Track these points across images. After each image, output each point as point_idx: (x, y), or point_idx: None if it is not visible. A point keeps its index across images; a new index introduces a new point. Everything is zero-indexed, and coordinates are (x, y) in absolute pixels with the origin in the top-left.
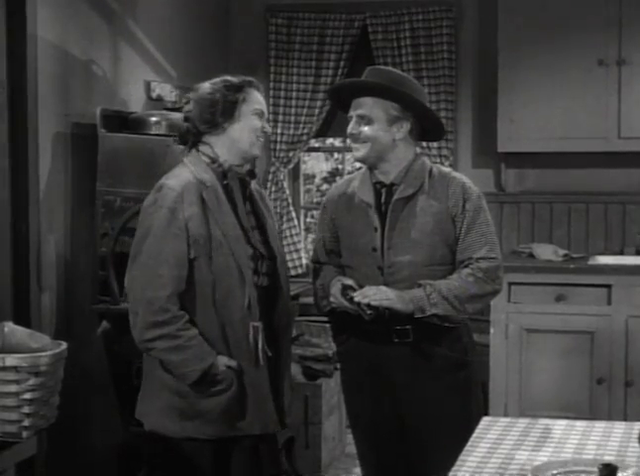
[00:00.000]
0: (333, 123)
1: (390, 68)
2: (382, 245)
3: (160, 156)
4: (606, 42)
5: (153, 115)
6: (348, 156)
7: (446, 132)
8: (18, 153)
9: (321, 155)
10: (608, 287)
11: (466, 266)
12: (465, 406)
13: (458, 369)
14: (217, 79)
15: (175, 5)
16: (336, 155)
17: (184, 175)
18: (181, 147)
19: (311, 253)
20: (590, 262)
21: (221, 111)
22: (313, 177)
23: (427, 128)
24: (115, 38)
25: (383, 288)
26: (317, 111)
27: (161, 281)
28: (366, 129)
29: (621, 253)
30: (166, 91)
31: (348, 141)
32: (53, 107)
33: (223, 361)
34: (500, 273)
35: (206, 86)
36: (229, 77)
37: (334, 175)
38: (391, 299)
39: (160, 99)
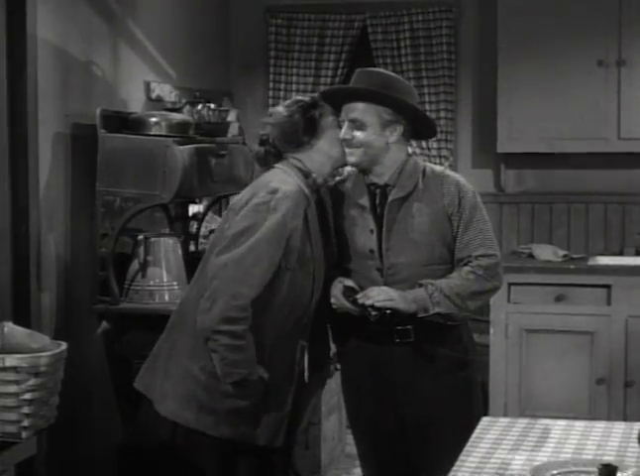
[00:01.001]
0: None
1: (380, 70)
2: (380, 247)
3: (159, 156)
4: (606, 43)
5: (152, 116)
6: None
7: (437, 131)
8: (18, 153)
9: None
10: (608, 287)
11: (465, 264)
12: (465, 405)
13: (459, 369)
14: (289, 102)
15: (175, 6)
16: None
17: (294, 183)
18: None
19: None
20: (590, 262)
21: (303, 130)
22: None
23: (419, 128)
24: (115, 38)
25: (385, 288)
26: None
27: (252, 280)
28: (358, 134)
29: (621, 253)
30: (166, 92)
31: None
32: (53, 108)
33: (259, 371)
34: (500, 269)
35: (282, 110)
36: (299, 98)
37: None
38: (395, 300)
39: (159, 100)
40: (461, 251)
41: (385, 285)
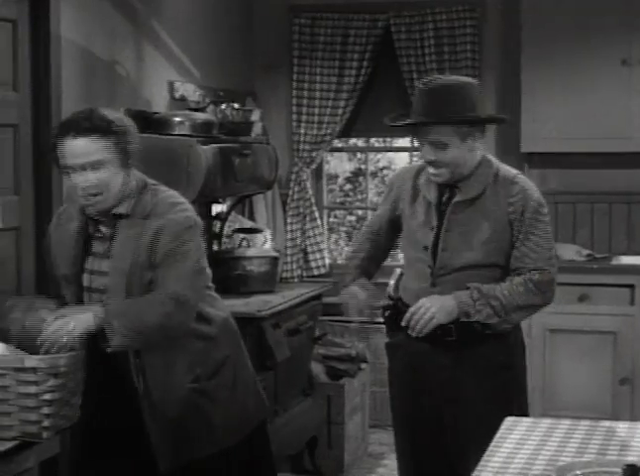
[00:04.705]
0: (356, 123)
1: (442, 82)
2: (437, 245)
3: (183, 156)
4: (630, 41)
5: (176, 115)
6: (371, 156)
7: (504, 120)
8: (41, 154)
9: (344, 155)
10: (631, 287)
11: (518, 274)
12: (505, 409)
13: (501, 371)
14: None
15: (199, 5)
16: (359, 155)
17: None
18: None
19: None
20: (614, 262)
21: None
22: (336, 177)
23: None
24: (138, 38)
25: (426, 304)
26: (340, 111)
27: None
28: (441, 154)
29: None
30: (190, 91)
31: (371, 141)
32: (77, 107)
33: None
34: (553, 286)
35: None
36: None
37: (357, 175)
38: (437, 318)
39: (183, 99)
40: (516, 260)
41: (434, 283)
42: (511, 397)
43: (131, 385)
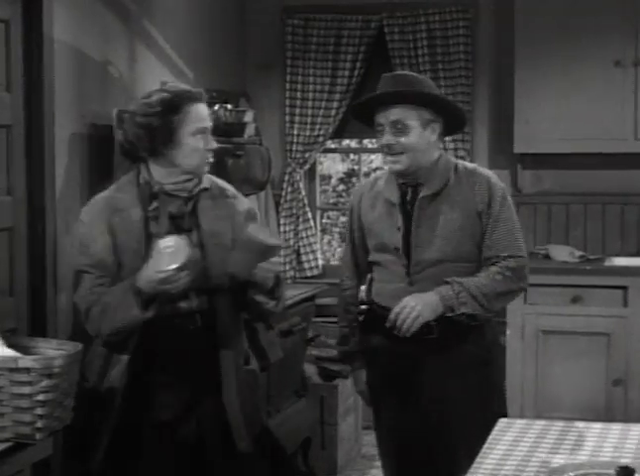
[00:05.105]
0: (349, 124)
1: (405, 72)
2: (410, 243)
3: None
4: (623, 43)
5: None
6: (364, 157)
7: (467, 123)
8: (34, 154)
9: (337, 156)
10: (625, 288)
11: (492, 263)
12: (487, 403)
13: (482, 366)
14: (151, 100)
15: (192, 5)
16: (352, 156)
17: (98, 201)
18: None
19: (337, 259)
20: (607, 263)
21: (159, 140)
22: (329, 177)
23: (450, 123)
24: (131, 38)
25: (410, 304)
26: (333, 112)
27: None
28: (402, 139)
29: (638, 254)
30: None
31: (364, 143)
32: (70, 108)
33: None
34: (527, 271)
35: (141, 108)
36: (165, 95)
37: (350, 175)
38: (423, 316)
39: None
40: (488, 250)
41: (411, 281)
42: (492, 393)
43: (214, 363)
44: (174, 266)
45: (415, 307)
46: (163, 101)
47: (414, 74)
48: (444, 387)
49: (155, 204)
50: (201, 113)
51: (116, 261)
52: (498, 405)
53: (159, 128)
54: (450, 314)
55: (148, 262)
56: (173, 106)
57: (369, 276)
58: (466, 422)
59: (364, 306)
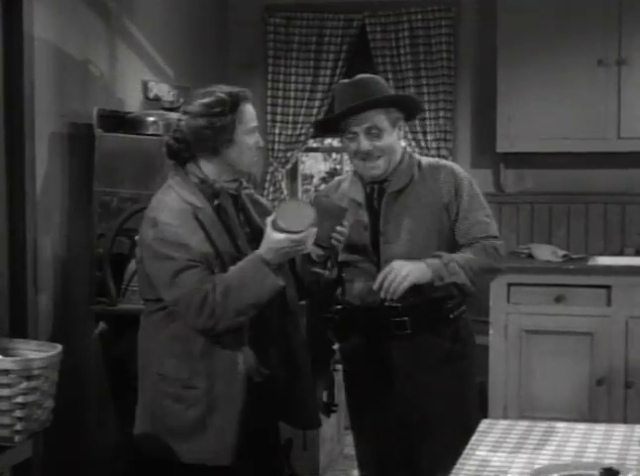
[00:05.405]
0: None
1: (361, 76)
2: (377, 242)
3: (157, 156)
4: (606, 42)
5: (150, 115)
6: (346, 156)
7: (422, 110)
8: (14, 153)
9: (319, 155)
10: (608, 287)
11: (472, 244)
12: (464, 398)
13: (457, 360)
14: (208, 100)
15: (173, 4)
16: (334, 155)
17: (173, 201)
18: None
19: None
20: (590, 262)
21: (219, 139)
22: (311, 177)
23: (406, 113)
24: (112, 37)
25: (396, 266)
26: (315, 111)
27: None
28: (379, 143)
29: (621, 253)
30: (164, 91)
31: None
32: (50, 107)
33: None
34: (503, 252)
35: (199, 109)
36: (220, 95)
37: (332, 175)
38: (411, 275)
39: (157, 99)
40: (465, 235)
41: None
42: (468, 386)
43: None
44: (308, 223)
45: (404, 267)
46: (223, 101)
47: (369, 76)
48: (418, 381)
49: (216, 202)
50: (252, 112)
51: (214, 254)
52: (476, 399)
53: (220, 128)
54: (440, 284)
55: (270, 231)
56: (232, 106)
57: (340, 276)
58: (442, 416)
59: (338, 306)
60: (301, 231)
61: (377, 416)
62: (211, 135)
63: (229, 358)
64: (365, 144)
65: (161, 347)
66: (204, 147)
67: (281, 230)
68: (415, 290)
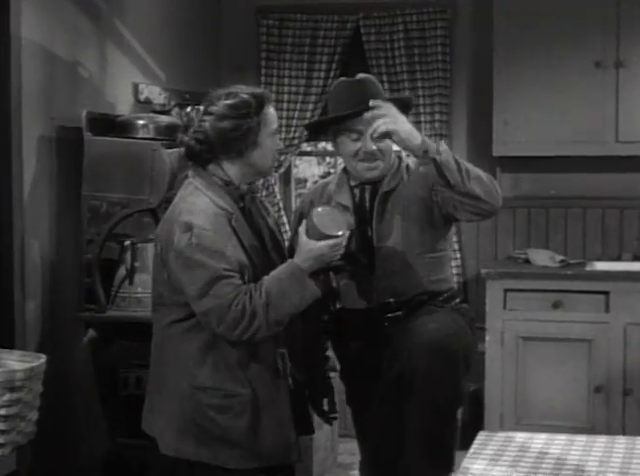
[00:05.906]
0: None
1: (361, 76)
2: (369, 242)
3: (147, 160)
4: (604, 44)
5: (140, 118)
6: (339, 160)
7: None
8: (1, 157)
9: (313, 159)
10: (606, 293)
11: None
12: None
13: (452, 340)
14: (234, 101)
15: (164, 5)
16: (328, 159)
17: (204, 205)
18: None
19: None
20: (588, 268)
21: (245, 141)
22: (305, 181)
23: None
24: (102, 39)
25: (393, 110)
26: (309, 114)
27: None
28: (382, 145)
29: (619, 259)
30: (155, 94)
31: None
32: (38, 110)
33: None
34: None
35: (224, 110)
36: (245, 96)
37: (325, 178)
38: (400, 121)
39: (148, 102)
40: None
41: (377, 277)
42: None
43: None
44: (345, 228)
45: (398, 117)
46: (249, 104)
47: (369, 75)
48: (421, 368)
49: (242, 204)
50: (275, 114)
51: (247, 263)
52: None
53: (247, 130)
54: (424, 152)
55: (306, 240)
56: (257, 108)
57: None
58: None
59: (332, 309)
60: (339, 235)
61: (379, 415)
62: (238, 137)
63: (268, 362)
64: (370, 144)
65: (191, 359)
66: (229, 149)
67: (321, 236)
68: (409, 285)
